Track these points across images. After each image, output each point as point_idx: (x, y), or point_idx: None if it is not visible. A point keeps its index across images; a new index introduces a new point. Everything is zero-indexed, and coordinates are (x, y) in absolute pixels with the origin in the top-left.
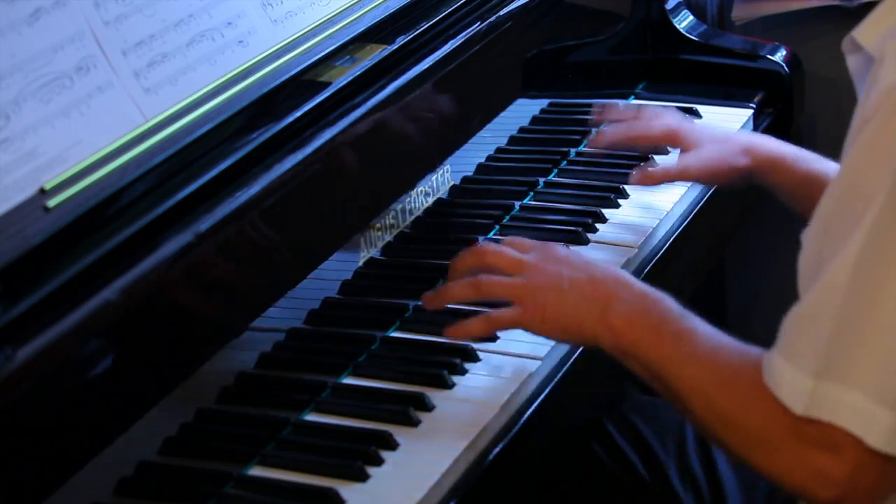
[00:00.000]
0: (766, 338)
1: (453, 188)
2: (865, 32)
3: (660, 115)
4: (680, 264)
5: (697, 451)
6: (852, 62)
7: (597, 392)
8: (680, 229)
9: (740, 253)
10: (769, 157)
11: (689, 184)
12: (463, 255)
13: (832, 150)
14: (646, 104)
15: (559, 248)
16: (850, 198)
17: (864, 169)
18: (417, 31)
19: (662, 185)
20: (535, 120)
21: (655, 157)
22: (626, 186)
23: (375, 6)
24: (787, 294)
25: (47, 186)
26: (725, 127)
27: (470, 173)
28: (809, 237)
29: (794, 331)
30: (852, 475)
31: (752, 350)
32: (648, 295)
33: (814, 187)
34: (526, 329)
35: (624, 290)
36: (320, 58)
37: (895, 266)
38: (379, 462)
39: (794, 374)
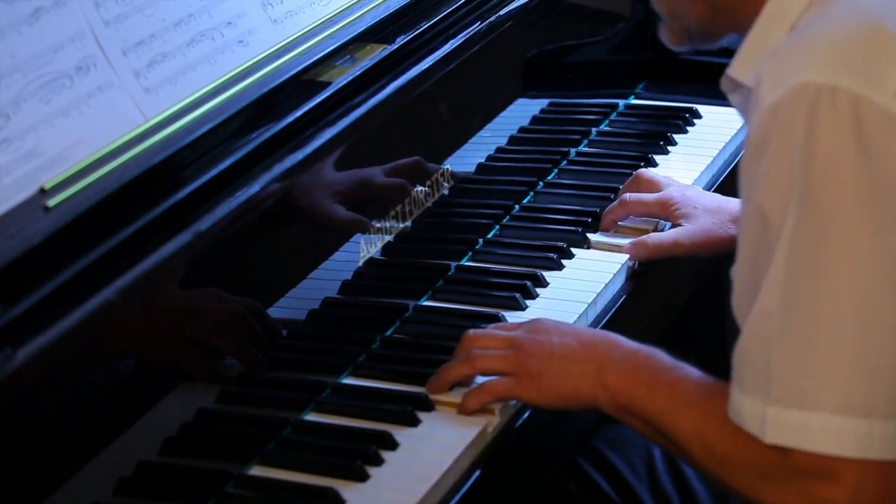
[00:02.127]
0: None
1: (453, 188)
2: (740, 68)
3: (650, 181)
4: (680, 263)
5: (668, 471)
6: (735, 99)
7: None
8: None
9: None
10: None
11: (691, 182)
12: (458, 346)
13: None
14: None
15: (546, 320)
16: (763, 226)
17: (770, 193)
18: (417, 31)
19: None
20: (535, 120)
21: (655, 156)
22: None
23: (375, 6)
24: None
25: (47, 186)
26: (714, 197)
27: (470, 173)
28: (738, 272)
29: (741, 361)
30: (854, 494)
31: None
32: (640, 351)
33: None
34: (522, 400)
35: (615, 349)
36: (320, 58)
37: (821, 277)
38: (379, 462)
39: (752, 404)
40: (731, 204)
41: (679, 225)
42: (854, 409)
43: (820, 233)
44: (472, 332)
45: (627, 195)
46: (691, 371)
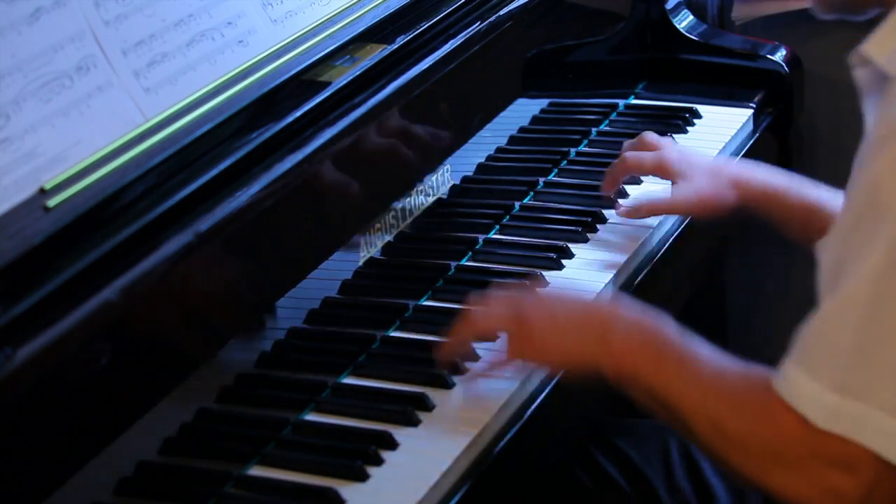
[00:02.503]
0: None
1: (453, 188)
2: (875, 47)
3: (652, 143)
4: (680, 264)
5: (683, 465)
6: (860, 75)
7: (597, 390)
8: (680, 229)
9: (740, 254)
10: (759, 190)
11: None
12: (459, 321)
13: (832, 149)
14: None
15: (546, 290)
16: (871, 210)
17: (885, 182)
18: (417, 31)
19: (662, 184)
20: (535, 120)
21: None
22: (625, 186)
23: (375, 6)
24: (786, 296)
25: (47, 186)
26: (716, 158)
27: (470, 173)
28: (828, 246)
29: (813, 342)
30: (867, 493)
31: (757, 370)
32: (646, 319)
33: (805, 217)
34: (527, 360)
35: (620, 316)
36: (320, 58)
37: None
38: (379, 462)
39: (814, 386)
40: (732, 169)
41: (676, 186)
42: None
43: None
44: (473, 308)
45: (628, 153)
46: (699, 344)
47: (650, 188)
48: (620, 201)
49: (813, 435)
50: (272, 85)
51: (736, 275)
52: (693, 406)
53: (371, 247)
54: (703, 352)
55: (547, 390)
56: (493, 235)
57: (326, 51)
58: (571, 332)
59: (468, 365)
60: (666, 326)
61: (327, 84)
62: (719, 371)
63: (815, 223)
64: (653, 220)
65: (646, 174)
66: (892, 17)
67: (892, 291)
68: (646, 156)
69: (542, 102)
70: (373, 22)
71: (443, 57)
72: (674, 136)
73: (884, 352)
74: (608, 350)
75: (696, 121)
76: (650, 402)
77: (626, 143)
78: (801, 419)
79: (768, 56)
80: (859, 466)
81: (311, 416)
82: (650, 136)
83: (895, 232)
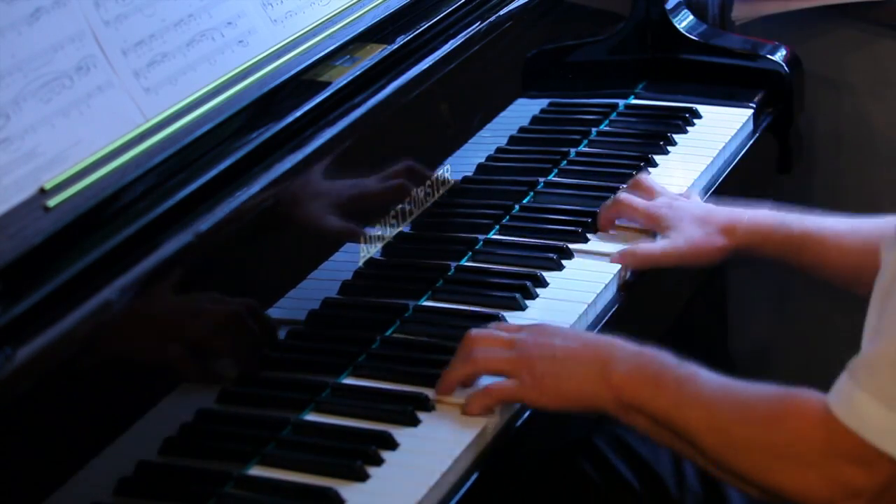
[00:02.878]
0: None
1: (453, 188)
2: None
3: (648, 187)
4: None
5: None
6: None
7: None
8: None
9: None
10: (748, 232)
11: (690, 182)
12: (457, 354)
13: (832, 149)
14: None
15: (548, 325)
16: None
17: None
18: (417, 31)
19: (663, 183)
20: (535, 120)
21: (655, 156)
22: (625, 186)
23: (375, 6)
24: (786, 296)
25: (47, 186)
26: (703, 207)
27: (470, 173)
28: (888, 259)
29: (885, 370)
30: (881, 490)
31: (756, 384)
32: (644, 351)
33: (798, 250)
34: (525, 402)
35: (619, 349)
36: (320, 57)
37: None
38: (379, 462)
39: (884, 411)
40: (719, 214)
41: (667, 237)
42: None
43: None
44: (474, 331)
45: (622, 195)
46: (698, 368)
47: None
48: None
49: (832, 436)
50: (272, 85)
51: (736, 275)
52: (698, 423)
53: (371, 247)
54: (703, 372)
55: None
56: (493, 235)
57: (326, 51)
58: (572, 369)
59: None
60: (663, 355)
61: (327, 84)
62: (720, 386)
63: (807, 254)
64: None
65: (635, 223)
66: None
67: None
68: (638, 205)
69: (542, 102)
70: (373, 22)
71: (443, 57)
72: (674, 135)
73: None
74: (609, 383)
75: (696, 121)
76: (654, 430)
77: (625, 187)
78: (820, 422)
79: (768, 56)
80: (875, 464)
81: (311, 416)
82: (646, 180)
83: None
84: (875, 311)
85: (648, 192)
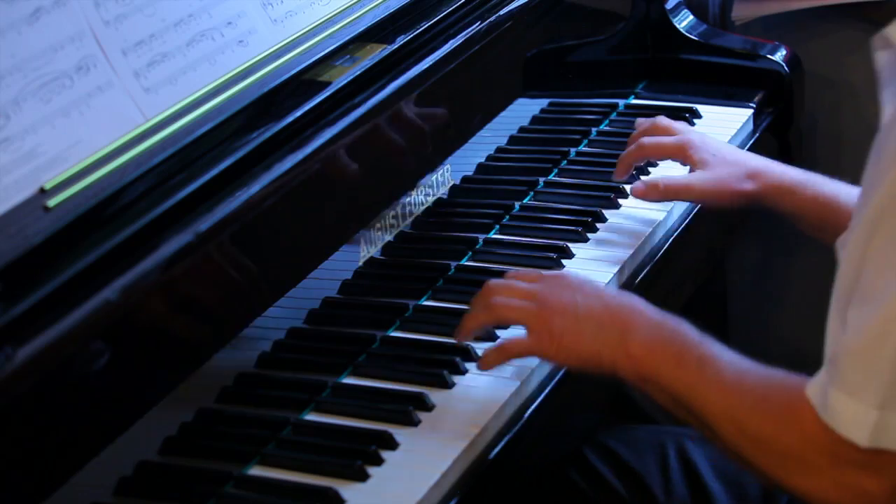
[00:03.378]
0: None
1: (453, 188)
2: None
3: (673, 128)
4: (680, 263)
5: (681, 470)
6: (882, 58)
7: (596, 392)
8: (680, 229)
9: (741, 253)
10: (776, 182)
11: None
12: (478, 296)
13: (832, 149)
14: (648, 118)
15: (570, 276)
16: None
17: None
18: (417, 31)
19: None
20: (535, 120)
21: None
22: (626, 186)
23: (375, 6)
24: (787, 295)
25: (47, 186)
26: (735, 148)
27: (470, 173)
28: (850, 245)
29: (853, 364)
30: (893, 494)
31: (778, 373)
32: (666, 321)
33: (821, 212)
34: (541, 357)
35: (640, 317)
36: (320, 57)
37: None
38: (379, 462)
39: (858, 408)
40: (751, 160)
41: (695, 170)
42: None
43: None
44: (493, 281)
45: (645, 139)
46: (719, 348)
47: (665, 172)
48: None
49: (832, 440)
50: (272, 85)
51: (737, 274)
52: (716, 408)
53: (371, 247)
54: (725, 354)
55: (546, 391)
56: (493, 235)
57: (326, 51)
58: (591, 330)
59: (482, 346)
60: (685, 329)
61: (327, 84)
62: (741, 372)
63: (830, 218)
64: (653, 221)
65: (665, 158)
66: None
67: None
68: (666, 139)
69: (542, 102)
70: (373, 22)
71: (443, 57)
72: None
73: None
74: (627, 352)
75: (696, 121)
76: (671, 405)
77: (638, 126)
78: (823, 425)
79: (768, 56)
80: (884, 468)
81: (311, 416)
82: (665, 120)
83: None
84: (837, 306)
85: (669, 132)
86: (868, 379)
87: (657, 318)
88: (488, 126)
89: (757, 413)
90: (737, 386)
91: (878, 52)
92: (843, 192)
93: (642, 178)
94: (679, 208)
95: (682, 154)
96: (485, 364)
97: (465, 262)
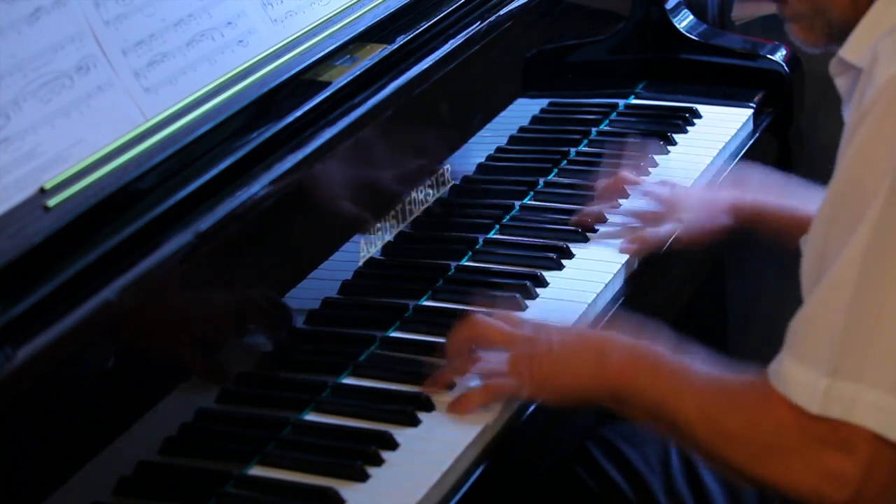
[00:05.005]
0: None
1: (453, 188)
2: (852, 49)
3: (647, 189)
4: (679, 263)
5: (682, 469)
6: (841, 83)
7: None
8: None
9: (740, 253)
10: (751, 212)
11: (691, 182)
12: (457, 328)
13: (832, 149)
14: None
15: (548, 324)
16: (851, 196)
17: (863, 166)
18: (417, 31)
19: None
20: (535, 120)
21: (655, 156)
22: (625, 186)
23: (375, 6)
24: (786, 295)
25: (47, 186)
26: (706, 188)
27: (470, 173)
28: (810, 241)
29: (803, 331)
30: (866, 472)
31: (750, 372)
32: (639, 342)
33: (800, 230)
34: (525, 398)
35: (615, 340)
36: (320, 57)
37: None
38: (379, 462)
39: (808, 374)
40: (722, 195)
41: (672, 220)
42: None
43: None
44: (476, 318)
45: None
46: (693, 357)
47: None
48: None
49: (808, 422)
50: (272, 85)
51: (736, 276)
52: (690, 412)
53: (371, 247)
54: (697, 361)
55: None
56: (493, 235)
57: (326, 51)
58: (569, 363)
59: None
60: (660, 346)
61: (327, 84)
62: (713, 376)
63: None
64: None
65: (646, 216)
66: (863, 21)
67: (878, 269)
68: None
69: (542, 102)
70: (373, 22)
71: (443, 57)
72: (674, 135)
73: (873, 329)
74: (604, 373)
75: (696, 121)
76: (648, 418)
77: (603, 189)
78: (795, 408)
79: (768, 56)
80: (856, 446)
81: (311, 416)
82: (629, 175)
83: (876, 211)
84: (804, 289)
85: (632, 184)
86: (817, 346)
87: (630, 340)
88: (488, 126)
89: (729, 410)
90: (709, 388)
91: (837, 79)
92: (818, 202)
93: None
94: None
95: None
96: (466, 406)
97: (465, 262)
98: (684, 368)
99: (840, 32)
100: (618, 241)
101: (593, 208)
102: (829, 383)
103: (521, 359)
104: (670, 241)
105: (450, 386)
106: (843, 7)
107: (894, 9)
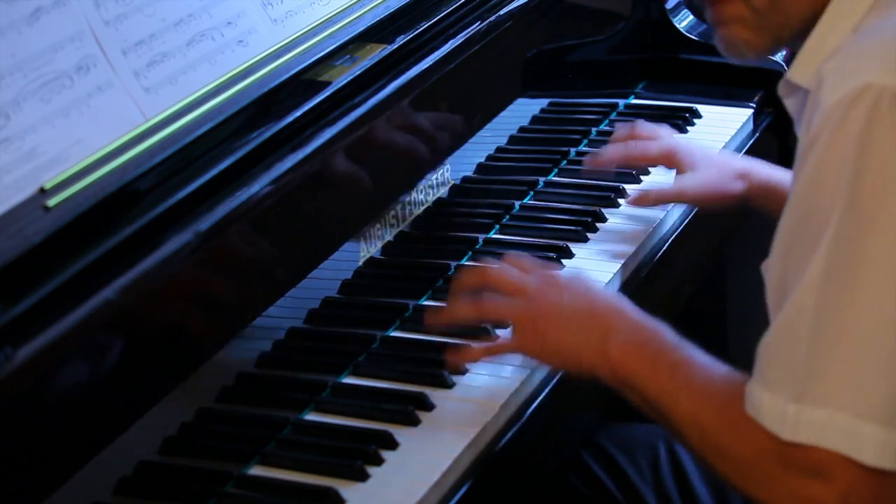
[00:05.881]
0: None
1: (453, 188)
2: (799, 72)
3: (656, 133)
4: (680, 263)
5: (671, 471)
6: (791, 104)
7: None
8: (680, 229)
9: (741, 253)
10: (764, 183)
11: None
12: (466, 272)
13: None
14: (639, 123)
15: (560, 275)
16: (806, 223)
17: (815, 192)
18: (417, 31)
19: (664, 182)
20: (535, 120)
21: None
22: (625, 186)
23: (375, 6)
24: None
25: (47, 186)
26: (721, 151)
27: (470, 173)
28: (771, 267)
29: (768, 358)
30: (844, 498)
31: (741, 379)
32: (646, 326)
33: None
34: (525, 355)
35: (621, 319)
36: (320, 57)
37: (860, 281)
38: (379, 462)
39: (774, 400)
40: (738, 161)
41: (681, 176)
42: (876, 415)
43: (864, 235)
44: (486, 267)
45: (631, 143)
46: (695, 353)
47: (657, 179)
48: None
49: (783, 447)
50: (272, 85)
51: (736, 274)
52: (683, 413)
53: (371, 247)
54: (699, 359)
55: (547, 390)
56: (493, 235)
57: (326, 51)
58: (574, 331)
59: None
60: (664, 333)
61: (327, 84)
62: (710, 378)
63: None
64: (653, 220)
65: (652, 163)
66: (809, 41)
67: (835, 294)
68: (651, 144)
69: (542, 102)
70: (373, 22)
71: (443, 57)
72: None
73: (835, 353)
74: (606, 354)
75: (696, 120)
76: (645, 407)
77: (618, 131)
78: (770, 433)
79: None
80: (832, 473)
81: (311, 416)
82: (646, 124)
83: (829, 236)
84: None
85: (650, 137)
86: (782, 372)
87: (638, 321)
88: (488, 126)
89: (718, 420)
90: (704, 391)
91: (786, 100)
92: None
93: (631, 188)
94: (679, 208)
95: (668, 159)
96: (467, 357)
97: (465, 262)
98: (685, 363)
99: (791, 34)
100: (618, 242)
101: (616, 152)
102: (797, 409)
103: (527, 316)
104: (675, 195)
105: (449, 323)
106: (804, 4)
107: (837, 30)
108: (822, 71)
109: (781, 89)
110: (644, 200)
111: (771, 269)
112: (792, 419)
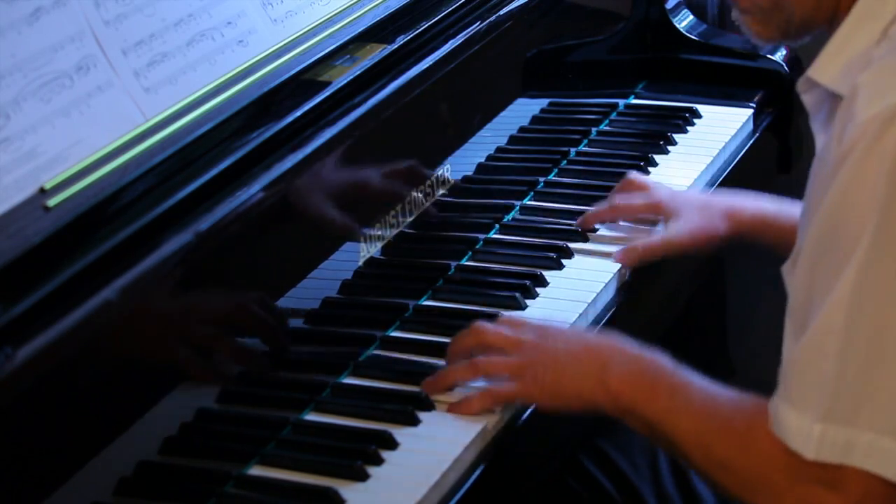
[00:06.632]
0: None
1: (453, 188)
2: (822, 70)
3: (640, 184)
4: (680, 264)
5: (671, 473)
6: (809, 100)
7: None
8: None
9: (741, 254)
10: (751, 217)
11: (691, 182)
12: (460, 335)
13: None
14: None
15: (553, 327)
16: (835, 238)
17: (846, 207)
18: (417, 31)
19: (664, 182)
20: (535, 119)
21: (655, 156)
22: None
23: (375, 6)
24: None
25: (47, 186)
26: (704, 192)
27: (470, 173)
28: (796, 278)
29: (794, 377)
30: None
31: (746, 396)
32: (643, 355)
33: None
34: (525, 401)
35: (618, 352)
36: (320, 57)
37: (891, 301)
38: (379, 462)
39: (801, 419)
40: (719, 201)
41: (668, 226)
42: None
43: None
44: (481, 324)
45: (618, 198)
46: (693, 375)
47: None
48: (616, 249)
49: (792, 459)
50: (272, 85)
51: (736, 276)
52: (685, 433)
53: (371, 247)
54: (697, 381)
55: None
56: (493, 235)
57: (326, 51)
58: (572, 370)
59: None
60: (661, 360)
61: (327, 84)
62: (709, 397)
63: None
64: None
65: (636, 215)
66: (833, 39)
67: (865, 313)
68: (636, 197)
69: (542, 102)
70: (373, 22)
71: (443, 57)
72: (674, 135)
73: (864, 373)
74: (607, 386)
75: (696, 120)
76: (648, 433)
77: (614, 190)
78: (785, 446)
79: (768, 56)
80: (847, 485)
81: (311, 416)
82: (638, 177)
83: (861, 254)
84: (793, 329)
85: (641, 189)
86: (809, 392)
87: (634, 353)
88: (488, 126)
89: (722, 437)
90: (705, 411)
91: (804, 95)
92: None
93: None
94: None
95: (652, 210)
96: (468, 409)
97: (466, 262)
98: (683, 386)
99: (797, 30)
100: (618, 242)
101: (603, 208)
102: (823, 428)
103: (524, 365)
104: (662, 247)
105: (449, 388)
106: (805, 6)
107: (865, 32)
108: (859, 80)
109: (801, 85)
110: (631, 258)
111: (795, 281)
112: (817, 439)
